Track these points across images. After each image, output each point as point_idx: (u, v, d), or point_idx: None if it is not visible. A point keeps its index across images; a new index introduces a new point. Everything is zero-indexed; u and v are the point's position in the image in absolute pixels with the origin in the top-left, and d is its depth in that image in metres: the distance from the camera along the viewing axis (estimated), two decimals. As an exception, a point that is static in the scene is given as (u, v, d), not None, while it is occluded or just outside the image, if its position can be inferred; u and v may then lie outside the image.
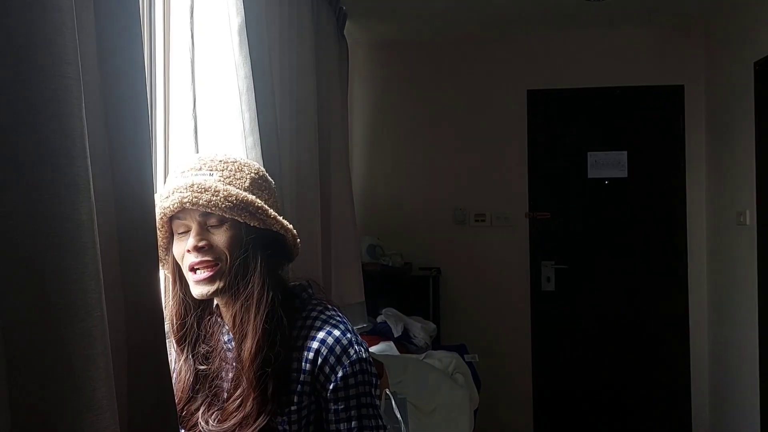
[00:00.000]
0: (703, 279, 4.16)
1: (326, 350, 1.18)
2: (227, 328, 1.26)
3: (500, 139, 4.34)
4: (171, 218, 1.19)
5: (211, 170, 1.19)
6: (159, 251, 1.23)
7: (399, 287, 4.08)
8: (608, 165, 4.26)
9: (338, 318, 1.25)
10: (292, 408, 1.19)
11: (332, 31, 3.20)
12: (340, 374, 1.18)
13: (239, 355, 1.19)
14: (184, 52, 1.50)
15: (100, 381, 0.73)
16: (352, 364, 1.18)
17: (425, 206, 4.37)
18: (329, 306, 1.28)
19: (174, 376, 1.26)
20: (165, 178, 1.64)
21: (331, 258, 2.86)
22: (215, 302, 1.28)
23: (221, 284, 1.19)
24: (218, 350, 1.24)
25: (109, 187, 0.91)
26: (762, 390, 3.36)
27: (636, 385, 4.23)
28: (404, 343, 3.56)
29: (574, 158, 4.30)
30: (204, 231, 1.18)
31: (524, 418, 4.31)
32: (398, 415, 1.74)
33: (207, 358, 1.24)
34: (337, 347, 1.19)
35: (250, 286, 1.19)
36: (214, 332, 1.25)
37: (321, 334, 1.20)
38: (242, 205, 1.15)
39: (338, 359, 1.18)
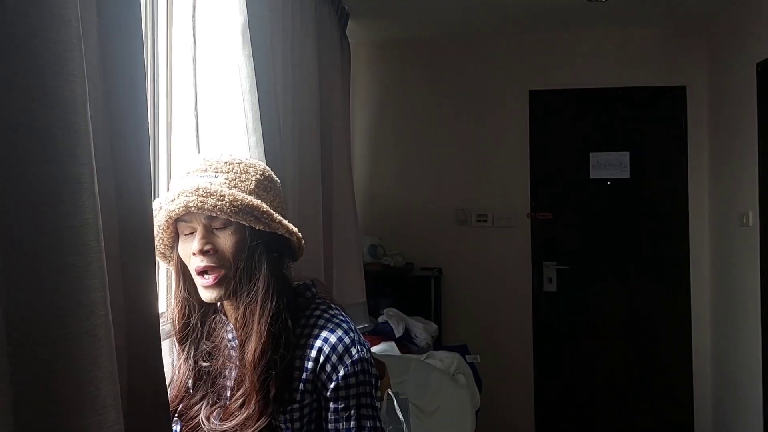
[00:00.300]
0: (705, 280, 4.15)
1: (329, 349, 1.19)
2: (232, 326, 1.26)
3: (502, 139, 4.34)
4: (176, 219, 1.20)
5: (217, 172, 1.19)
6: (164, 249, 1.24)
7: (400, 287, 4.08)
8: (610, 166, 4.25)
9: (341, 317, 1.25)
10: (294, 406, 1.20)
11: (334, 31, 3.20)
12: (341, 373, 1.18)
13: (243, 357, 1.20)
14: (187, 50, 1.50)
15: (105, 380, 0.73)
16: (353, 363, 1.19)
17: (427, 206, 4.36)
18: (333, 305, 1.28)
19: (172, 373, 1.27)
20: (168, 177, 1.64)
21: (333, 258, 2.86)
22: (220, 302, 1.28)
23: (227, 289, 1.20)
24: (222, 348, 1.24)
25: (110, 187, 0.91)
26: (765, 391, 3.36)
27: (638, 386, 4.23)
28: (405, 343, 3.56)
29: (576, 159, 4.29)
30: (209, 234, 1.19)
31: (526, 419, 4.31)
32: (400, 416, 1.73)
33: (211, 355, 1.24)
34: (340, 346, 1.19)
35: (254, 290, 1.20)
36: (218, 330, 1.25)
37: (324, 333, 1.21)
38: (247, 210, 1.15)
39: (340, 358, 1.19)
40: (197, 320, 1.25)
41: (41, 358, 0.69)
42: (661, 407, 4.21)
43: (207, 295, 1.20)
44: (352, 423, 1.19)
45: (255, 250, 1.19)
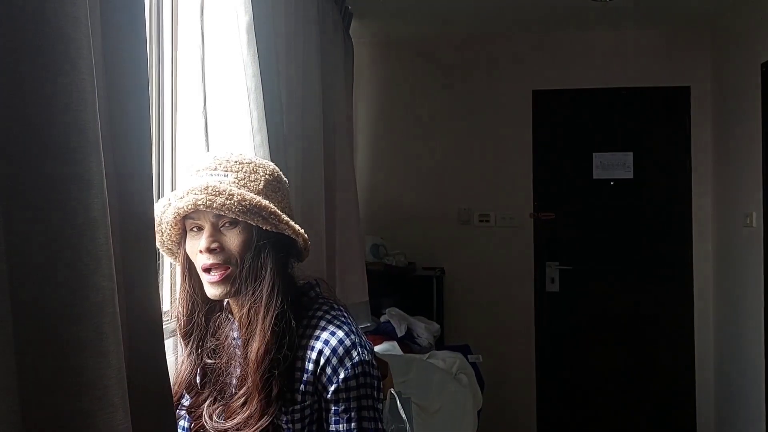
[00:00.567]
0: (708, 281, 4.15)
1: (329, 351, 1.19)
2: (237, 324, 1.26)
3: (505, 139, 4.33)
4: (184, 216, 1.20)
5: (226, 171, 1.20)
6: (171, 246, 1.25)
7: (403, 287, 4.07)
8: (614, 166, 4.25)
9: (343, 318, 1.25)
10: (296, 407, 1.20)
11: (338, 30, 3.20)
12: (341, 376, 1.18)
13: (246, 355, 1.20)
14: (194, 49, 1.50)
15: (113, 379, 0.73)
16: (354, 366, 1.19)
17: (429, 206, 4.36)
18: (335, 305, 1.28)
19: (175, 369, 1.28)
20: (173, 176, 1.64)
21: (335, 257, 2.86)
22: (226, 299, 1.28)
23: (232, 287, 1.20)
24: (226, 346, 1.24)
25: (112, 186, 0.91)
26: (767, 392, 3.35)
27: (640, 387, 4.22)
28: (408, 342, 3.56)
29: (580, 159, 4.29)
30: (216, 232, 1.19)
31: (528, 419, 4.30)
32: (403, 415, 1.73)
33: (215, 352, 1.25)
34: (340, 348, 1.19)
35: (260, 289, 1.20)
36: (223, 328, 1.25)
37: (325, 335, 1.21)
38: (255, 210, 1.16)
39: (340, 361, 1.19)
40: (202, 317, 1.26)
41: (50, 356, 0.69)
42: (663, 408, 4.20)
43: (212, 291, 1.21)
44: (352, 425, 1.19)
45: (261, 250, 1.20)
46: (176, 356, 1.37)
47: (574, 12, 3.87)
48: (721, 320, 4.01)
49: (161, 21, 1.63)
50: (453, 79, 4.38)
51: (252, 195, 1.17)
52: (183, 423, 1.28)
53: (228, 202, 1.14)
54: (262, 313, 1.19)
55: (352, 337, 1.21)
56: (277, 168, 1.29)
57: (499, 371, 4.07)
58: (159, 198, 1.29)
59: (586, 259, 4.29)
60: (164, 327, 1.15)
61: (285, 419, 1.20)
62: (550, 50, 4.29)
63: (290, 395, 1.20)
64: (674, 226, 4.21)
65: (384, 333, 3.53)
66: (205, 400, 1.24)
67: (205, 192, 1.14)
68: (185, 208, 1.16)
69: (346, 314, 1.27)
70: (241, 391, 1.19)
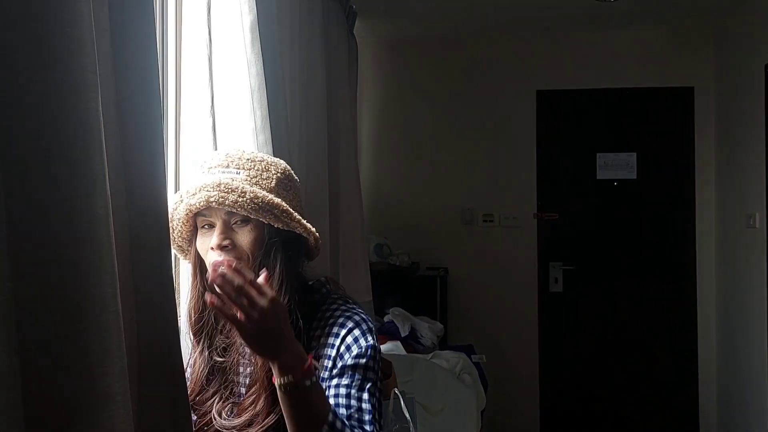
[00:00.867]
0: (711, 282, 4.14)
1: (345, 332, 1.21)
2: None
3: (509, 139, 4.33)
4: (196, 213, 1.20)
5: (239, 168, 1.20)
6: (182, 243, 1.26)
7: (406, 287, 4.07)
8: (617, 166, 4.24)
9: (359, 311, 1.26)
10: None
11: (342, 30, 3.20)
12: (354, 352, 1.19)
13: (255, 354, 1.20)
14: (201, 48, 1.50)
15: (115, 376, 0.73)
16: (367, 348, 1.20)
17: (433, 206, 4.36)
18: (348, 300, 1.30)
19: (188, 367, 1.28)
20: (176, 175, 1.64)
21: (339, 256, 2.86)
22: None
23: None
24: (235, 345, 1.24)
25: (120, 182, 0.90)
26: (771, 394, 3.34)
27: (643, 387, 4.21)
28: (411, 342, 3.56)
29: (583, 159, 4.28)
30: (228, 229, 1.20)
31: (531, 419, 4.30)
32: (407, 415, 1.73)
33: (225, 351, 1.25)
34: (356, 330, 1.21)
35: None
36: (231, 327, 1.25)
37: (344, 321, 1.22)
38: (267, 208, 1.16)
39: (355, 340, 1.20)
40: (212, 314, 1.26)
41: (51, 353, 0.69)
42: (665, 409, 4.19)
43: None
44: (355, 390, 1.18)
45: (272, 248, 1.20)
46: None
47: (578, 12, 3.86)
48: (725, 320, 4.00)
49: (166, 20, 1.63)
50: (457, 79, 4.38)
51: (264, 193, 1.17)
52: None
53: (240, 199, 1.14)
54: None
55: (369, 324, 1.23)
56: (288, 166, 1.30)
57: (502, 371, 4.07)
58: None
59: (590, 259, 4.28)
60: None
61: None
62: (554, 51, 4.29)
63: None
64: (677, 226, 4.21)
65: (388, 333, 3.53)
66: (211, 398, 1.24)
67: (218, 189, 1.14)
68: (197, 204, 1.16)
69: (360, 309, 1.28)
70: (252, 390, 1.20)
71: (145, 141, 0.94)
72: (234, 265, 1.06)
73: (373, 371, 1.20)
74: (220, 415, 1.21)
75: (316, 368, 1.13)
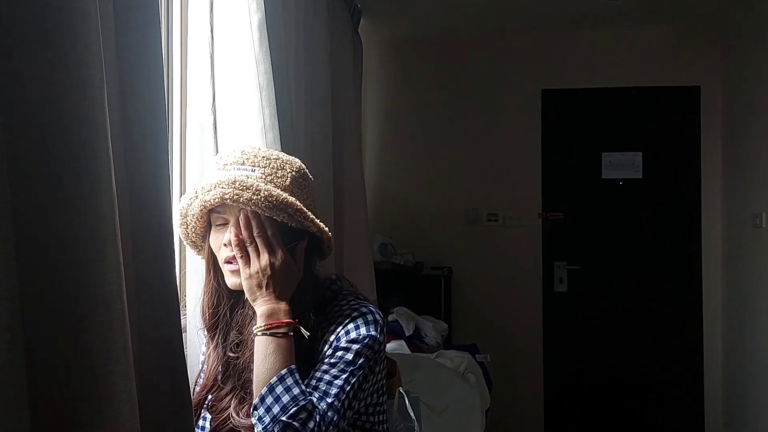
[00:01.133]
0: (717, 282, 4.12)
1: (347, 320, 1.21)
2: None
3: (514, 138, 4.32)
4: (210, 210, 1.21)
5: (254, 166, 1.21)
6: (195, 239, 1.27)
7: (411, 286, 4.07)
8: (623, 166, 4.23)
9: (371, 307, 1.26)
10: None
11: (347, 29, 3.20)
12: (351, 336, 1.18)
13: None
14: (204, 47, 1.49)
15: (120, 375, 0.73)
16: (365, 337, 1.19)
17: (438, 205, 4.35)
18: (360, 297, 1.30)
19: (203, 363, 1.30)
20: (181, 174, 1.64)
21: (344, 256, 2.86)
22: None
23: None
24: (249, 342, 1.24)
25: (124, 181, 0.90)
26: (777, 394, 3.33)
27: (648, 387, 4.20)
28: (416, 342, 3.56)
29: (589, 159, 4.27)
30: None
31: (535, 419, 4.29)
32: (412, 414, 1.73)
33: (239, 347, 1.25)
34: (360, 319, 1.20)
35: None
36: (245, 324, 1.25)
37: (355, 314, 1.22)
38: (281, 206, 1.17)
39: (356, 327, 1.20)
40: (226, 310, 1.27)
41: (57, 351, 0.69)
42: (671, 407, 4.18)
43: (232, 280, 1.22)
44: (335, 373, 1.15)
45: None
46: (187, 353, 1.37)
47: (583, 11, 3.85)
48: (730, 321, 3.99)
49: (171, 18, 1.63)
50: (462, 78, 4.37)
51: (278, 191, 1.18)
52: (201, 422, 1.28)
53: (255, 197, 1.15)
54: None
55: (377, 317, 1.22)
56: (303, 165, 1.30)
57: (507, 371, 4.06)
58: (173, 196, 1.30)
59: (595, 259, 4.27)
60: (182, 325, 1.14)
61: None
62: (560, 50, 4.27)
63: None
64: (683, 226, 4.19)
65: (392, 332, 3.53)
66: (227, 395, 1.25)
67: (233, 186, 1.15)
68: (212, 201, 1.17)
69: (372, 306, 1.28)
70: None
71: (150, 139, 0.94)
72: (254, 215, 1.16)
73: (364, 358, 1.17)
74: (237, 414, 1.21)
75: (297, 329, 1.17)
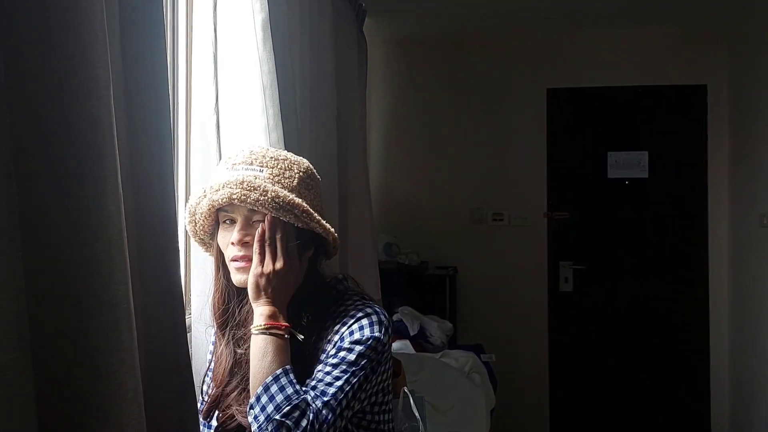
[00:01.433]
0: (724, 282, 4.10)
1: (352, 321, 1.21)
2: None
3: (519, 138, 4.31)
4: (218, 209, 1.23)
5: (262, 166, 1.23)
6: (204, 236, 1.29)
7: (415, 286, 4.06)
8: (629, 165, 4.21)
9: (377, 308, 1.26)
10: None
11: (351, 28, 3.20)
12: (355, 337, 1.19)
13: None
14: (207, 46, 1.50)
15: (126, 374, 0.73)
16: (369, 338, 1.19)
17: (442, 205, 4.35)
18: (365, 297, 1.30)
19: (214, 359, 1.31)
20: (186, 175, 1.64)
21: (348, 255, 2.86)
22: None
23: None
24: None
25: (129, 181, 0.90)
26: (784, 395, 3.31)
27: (654, 387, 4.19)
28: (420, 341, 3.55)
29: (594, 158, 4.26)
30: (248, 226, 1.23)
31: (541, 419, 4.28)
32: (417, 414, 1.72)
33: (244, 342, 1.27)
34: (365, 320, 1.21)
35: None
36: (251, 321, 1.26)
37: (360, 314, 1.22)
38: (288, 207, 1.18)
39: (360, 328, 1.20)
40: (236, 307, 1.28)
41: (63, 351, 0.69)
42: (677, 407, 4.17)
43: (238, 277, 1.24)
44: (337, 374, 1.16)
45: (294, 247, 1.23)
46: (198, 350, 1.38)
47: (588, 10, 3.84)
48: (737, 321, 3.97)
49: (176, 18, 1.63)
50: (467, 77, 4.36)
51: (286, 192, 1.20)
52: (214, 422, 1.29)
53: (262, 198, 1.16)
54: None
55: (382, 318, 1.23)
56: (311, 165, 1.31)
57: (512, 371, 4.06)
58: (178, 195, 1.30)
59: (600, 258, 4.26)
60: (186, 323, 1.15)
61: None
62: (565, 48, 4.26)
63: None
64: (689, 226, 4.17)
65: (396, 332, 3.52)
66: (233, 391, 1.26)
67: (241, 186, 1.17)
68: (220, 200, 1.18)
69: (378, 306, 1.28)
70: None
71: (155, 139, 0.94)
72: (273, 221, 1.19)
73: (366, 359, 1.18)
74: (240, 406, 1.23)
75: (293, 334, 1.19)
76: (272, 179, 1.22)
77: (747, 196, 3.80)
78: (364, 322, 1.21)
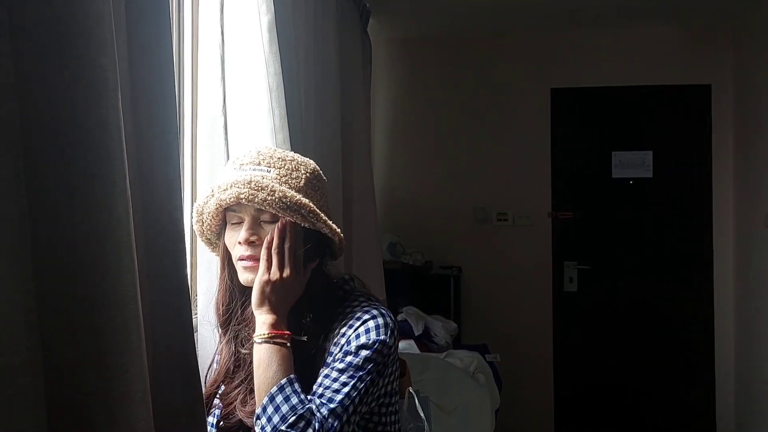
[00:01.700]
0: (728, 282, 4.10)
1: (358, 323, 1.22)
2: None
3: (523, 137, 4.31)
4: (226, 208, 1.24)
5: (269, 167, 1.24)
6: (211, 236, 1.30)
7: (420, 286, 4.06)
8: (633, 165, 4.21)
9: (382, 309, 1.26)
10: None
11: (356, 28, 3.20)
12: (361, 341, 1.19)
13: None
14: (214, 48, 1.50)
15: (135, 375, 0.73)
16: (375, 342, 1.19)
17: (447, 205, 4.35)
18: (371, 298, 1.31)
19: (216, 356, 1.33)
20: (192, 176, 1.64)
21: (353, 255, 2.86)
22: None
23: None
24: None
25: (136, 181, 0.91)
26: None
27: (659, 387, 4.18)
28: (425, 341, 3.55)
29: (599, 158, 4.25)
30: (256, 225, 1.24)
31: (545, 419, 4.28)
32: (422, 414, 1.72)
33: (249, 341, 1.27)
34: (371, 322, 1.21)
35: None
36: (253, 320, 1.27)
37: (366, 316, 1.22)
38: (295, 208, 1.19)
39: (366, 331, 1.20)
40: (239, 307, 1.29)
41: (72, 351, 0.69)
42: (682, 408, 4.16)
43: (245, 276, 1.25)
44: (345, 380, 1.16)
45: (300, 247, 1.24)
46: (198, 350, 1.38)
47: (593, 9, 3.83)
48: (742, 321, 3.96)
49: (182, 20, 1.64)
50: (471, 77, 4.36)
51: (293, 193, 1.21)
52: (211, 419, 1.30)
53: (269, 198, 1.18)
54: None
55: (388, 320, 1.23)
56: (317, 166, 1.33)
57: (516, 371, 4.06)
58: (184, 196, 1.31)
59: (605, 258, 4.25)
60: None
61: None
62: (569, 48, 4.26)
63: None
64: (694, 226, 4.17)
65: (401, 332, 3.53)
66: (236, 388, 1.27)
67: (248, 186, 1.18)
68: (227, 200, 1.20)
69: (383, 307, 1.28)
70: None
71: (162, 141, 0.94)
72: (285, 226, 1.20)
73: (373, 364, 1.18)
74: (243, 406, 1.24)
75: (295, 340, 1.21)
76: (280, 179, 1.22)
77: (751, 196, 3.79)
78: (371, 324, 1.21)
